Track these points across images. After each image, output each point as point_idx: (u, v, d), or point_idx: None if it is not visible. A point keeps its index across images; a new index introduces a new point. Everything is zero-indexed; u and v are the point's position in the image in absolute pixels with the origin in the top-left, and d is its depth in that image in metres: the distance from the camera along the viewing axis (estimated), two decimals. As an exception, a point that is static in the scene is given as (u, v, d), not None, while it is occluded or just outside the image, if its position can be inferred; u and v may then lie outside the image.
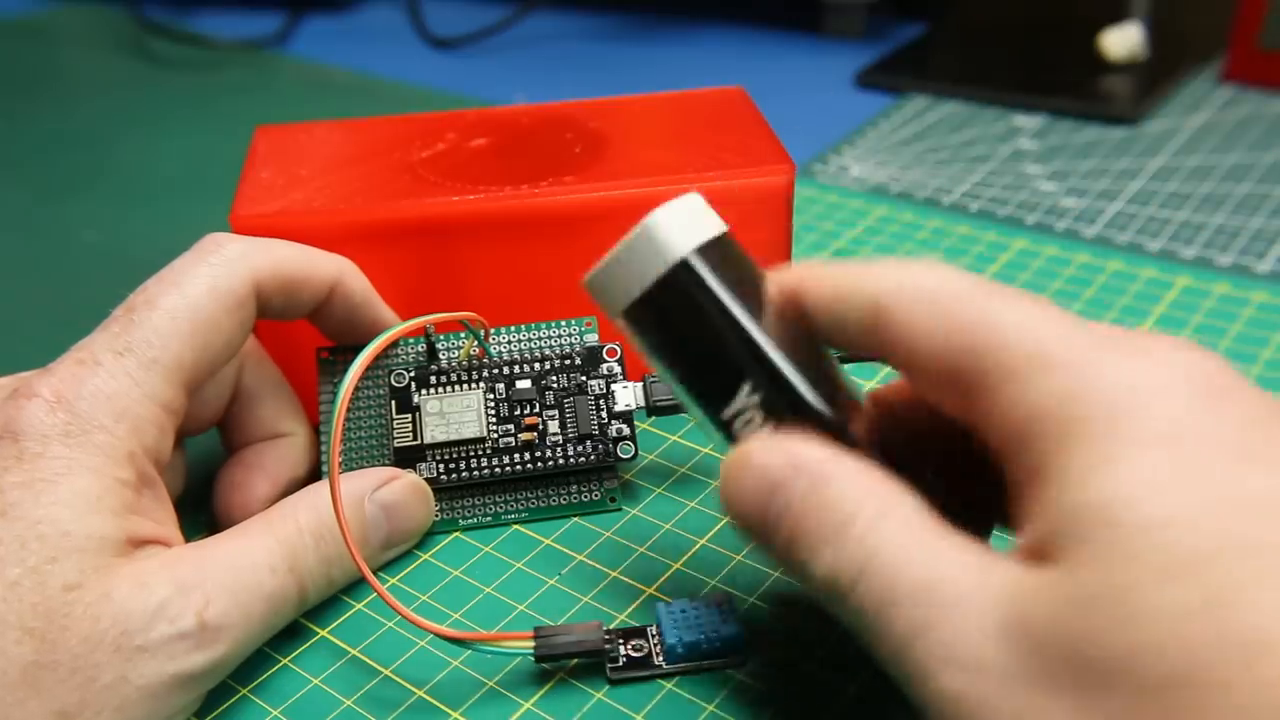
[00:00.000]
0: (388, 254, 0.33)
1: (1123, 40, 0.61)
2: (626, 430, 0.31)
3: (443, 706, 0.26)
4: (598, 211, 0.33)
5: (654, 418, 0.32)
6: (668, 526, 0.31)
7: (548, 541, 0.31)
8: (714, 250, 0.24)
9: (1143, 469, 0.18)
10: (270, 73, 0.70)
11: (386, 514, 0.29)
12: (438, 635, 0.25)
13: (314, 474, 0.32)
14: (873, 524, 0.20)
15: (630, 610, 0.28)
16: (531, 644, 0.26)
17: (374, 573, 0.26)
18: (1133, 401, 0.19)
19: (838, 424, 0.23)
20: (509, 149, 0.37)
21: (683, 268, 0.23)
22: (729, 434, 0.24)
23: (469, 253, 0.33)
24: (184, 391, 0.26)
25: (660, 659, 0.26)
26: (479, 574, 0.30)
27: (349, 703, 0.26)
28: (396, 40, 0.75)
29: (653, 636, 0.27)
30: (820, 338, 0.24)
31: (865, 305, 0.22)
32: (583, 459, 0.31)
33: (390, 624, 0.28)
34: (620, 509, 0.32)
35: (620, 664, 0.26)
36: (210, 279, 0.27)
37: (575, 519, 0.32)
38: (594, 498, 0.32)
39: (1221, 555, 0.17)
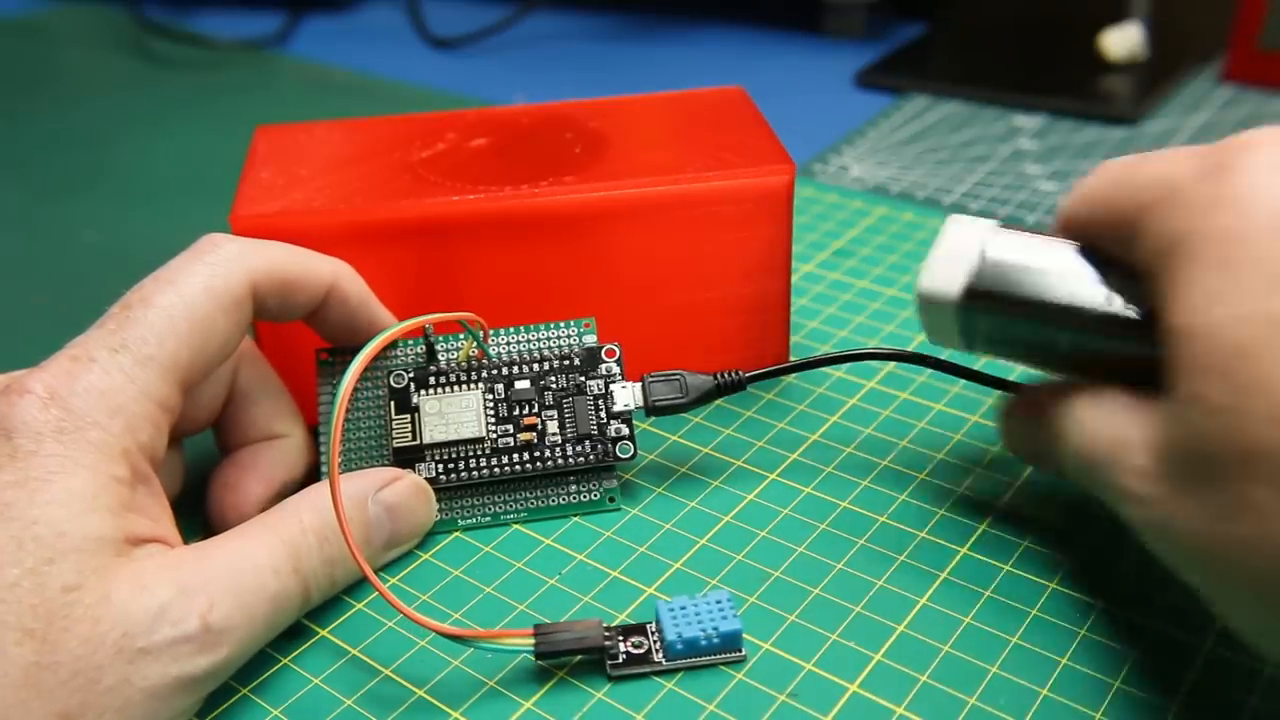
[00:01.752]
0: (387, 254, 0.33)
1: (1123, 40, 0.61)
2: (625, 430, 0.31)
3: (443, 706, 0.26)
4: (597, 211, 0.33)
5: (653, 418, 0.32)
6: (668, 527, 0.31)
7: (548, 541, 0.31)
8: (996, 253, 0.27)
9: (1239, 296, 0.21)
10: (270, 73, 0.70)
11: (389, 514, 0.29)
12: (438, 633, 0.26)
13: (310, 475, 0.32)
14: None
15: (630, 610, 0.28)
16: (532, 641, 0.26)
17: (375, 572, 0.26)
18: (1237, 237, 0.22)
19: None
20: (509, 149, 0.37)
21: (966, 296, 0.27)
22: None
23: (468, 252, 0.33)
24: (179, 390, 0.26)
25: (660, 655, 0.26)
26: (479, 574, 0.30)
27: (349, 702, 0.26)
28: (396, 40, 0.75)
29: (652, 633, 0.27)
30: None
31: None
32: (582, 459, 0.31)
33: (390, 623, 0.28)
34: (620, 509, 0.32)
35: (620, 660, 0.26)
36: (207, 278, 0.27)
37: (575, 519, 0.32)
38: (593, 498, 0.32)
39: None
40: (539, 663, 0.27)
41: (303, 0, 0.80)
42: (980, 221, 0.28)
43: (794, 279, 0.42)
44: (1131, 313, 0.25)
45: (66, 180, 0.56)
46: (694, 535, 0.31)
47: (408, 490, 0.30)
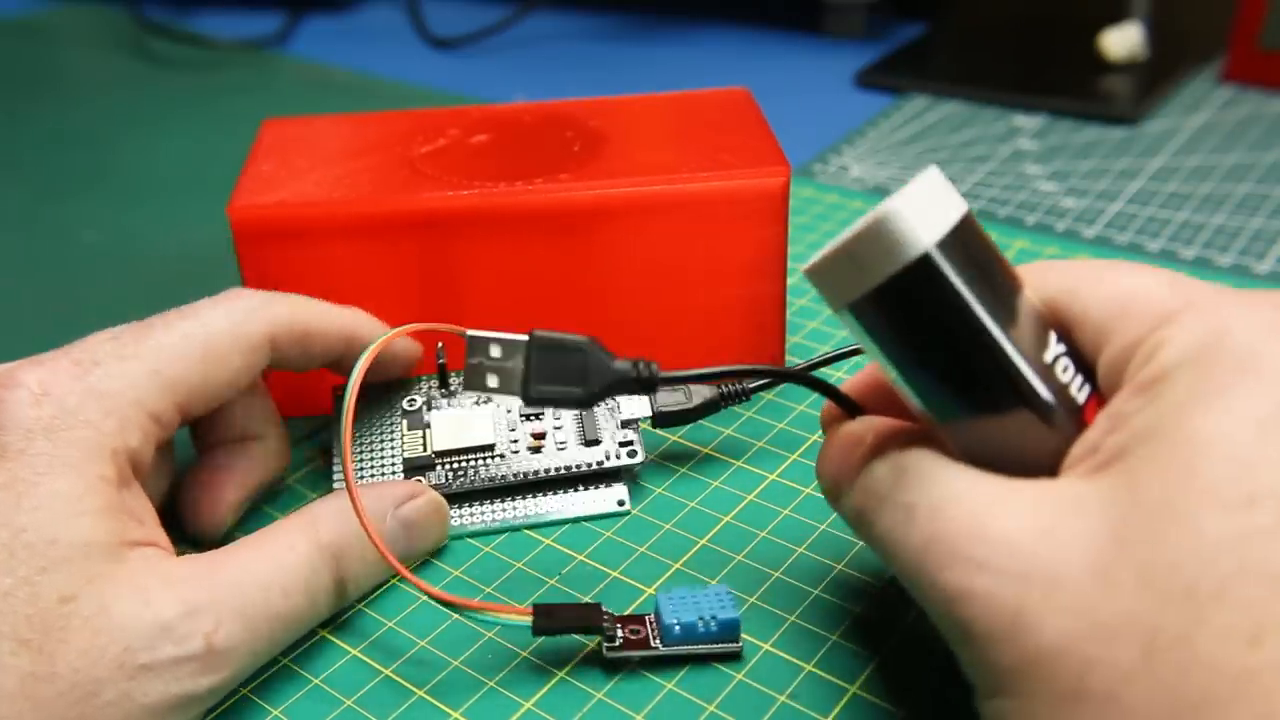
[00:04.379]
0: (381, 247, 0.33)
1: (1123, 40, 0.61)
2: (634, 437, 0.32)
3: (443, 706, 0.26)
4: (589, 209, 0.33)
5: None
6: (668, 527, 0.31)
7: (548, 542, 0.31)
8: (954, 241, 0.21)
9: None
10: (270, 73, 0.70)
11: (405, 531, 0.29)
12: (434, 598, 0.25)
13: (282, 478, 0.32)
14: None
15: (630, 609, 0.28)
16: (530, 618, 0.26)
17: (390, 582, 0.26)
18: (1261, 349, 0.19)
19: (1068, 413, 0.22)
20: (509, 146, 0.37)
21: (923, 262, 0.20)
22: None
23: (464, 247, 0.34)
24: (178, 412, 0.26)
25: (657, 641, 0.26)
26: (479, 574, 0.30)
27: (349, 703, 0.26)
28: (396, 40, 0.75)
29: (651, 624, 0.27)
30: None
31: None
32: (590, 466, 0.31)
33: (390, 624, 0.28)
34: (626, 510, 0.32)
35: (617, 644, 0.26)
36: (229, 317, 0.27)
37: (571, 522, 0.32)
38: (605, 507, 0.32)
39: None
40: (535, 639, 0.27)
41: (303, 0, 0.80)
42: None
43: (794, 279, 0.42)
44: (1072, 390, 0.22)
45: (66, 180, 0.56)
46: (694, 535, 0.31)
47: (426, 507, 0.29)
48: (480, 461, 0.31)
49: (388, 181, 0.34)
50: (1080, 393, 0.22)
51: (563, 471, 0.31)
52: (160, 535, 0.25)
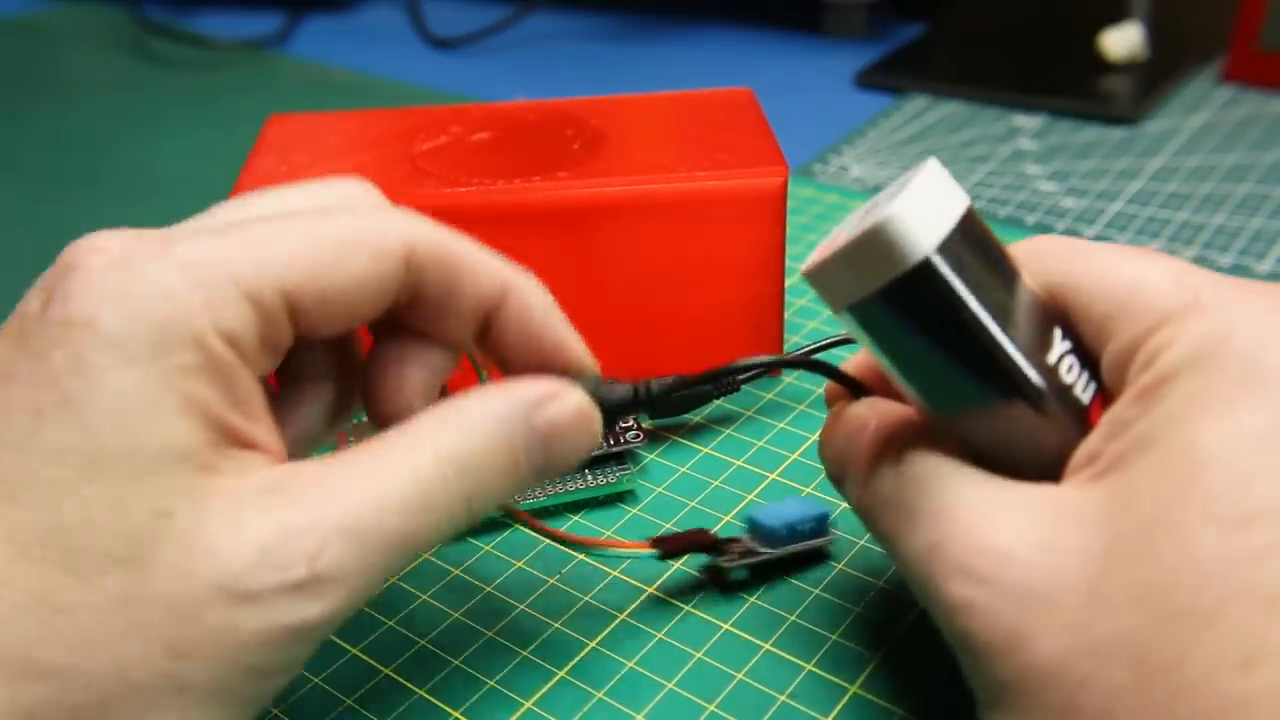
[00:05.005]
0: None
1: (1123, 40, 0.61)
2: (631, 421, 0.33)
3: (443, 706, 0.26)
4: (585, 207, 0.33)
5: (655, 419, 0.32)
6: (668, 527, 0.31)
7: (548, 542, 0.31)
8: (955, 243, 0.20)
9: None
10: (270, 73, 0.70)
11: (544, 442, 0.23)
12: (560, 539, 0.30)
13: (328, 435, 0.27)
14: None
15: (631, 609, 0.28)
16: (650, 546, 0.28)
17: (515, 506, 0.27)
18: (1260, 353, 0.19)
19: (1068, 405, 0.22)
20: (509, 144, 0.37)
21: (923, 268, 0.20)
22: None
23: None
24: (280, 296, 0.21)
25: (764, 548, 0.29)
26: (480, 574, 0.30)
27: (349, 701, 0.26)
28: (396, 40, 0.75)
29: (750, 539, 0.29)
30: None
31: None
32: (596, 449, 0.32)
33: (390, 623, 0.28)
34: (632, 489, 0.32)
35: (734, 556, 0.29)
36: (359, 217, 0.22)
37: (575, 518, 0.32)
38: (610, 480, 0.32)
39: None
40: (661, 561, 0.29)
41: (303, 0, 0.80)
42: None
43: (793, 280, 0.42)
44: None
45: (66, 180, 0.56)
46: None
47: (571, 413, 0.23)
48: None
49: (388, 178, 0.34)
50: (1085, 392, 0.22)
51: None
52: (267, 435, 0.21)
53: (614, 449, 0.32)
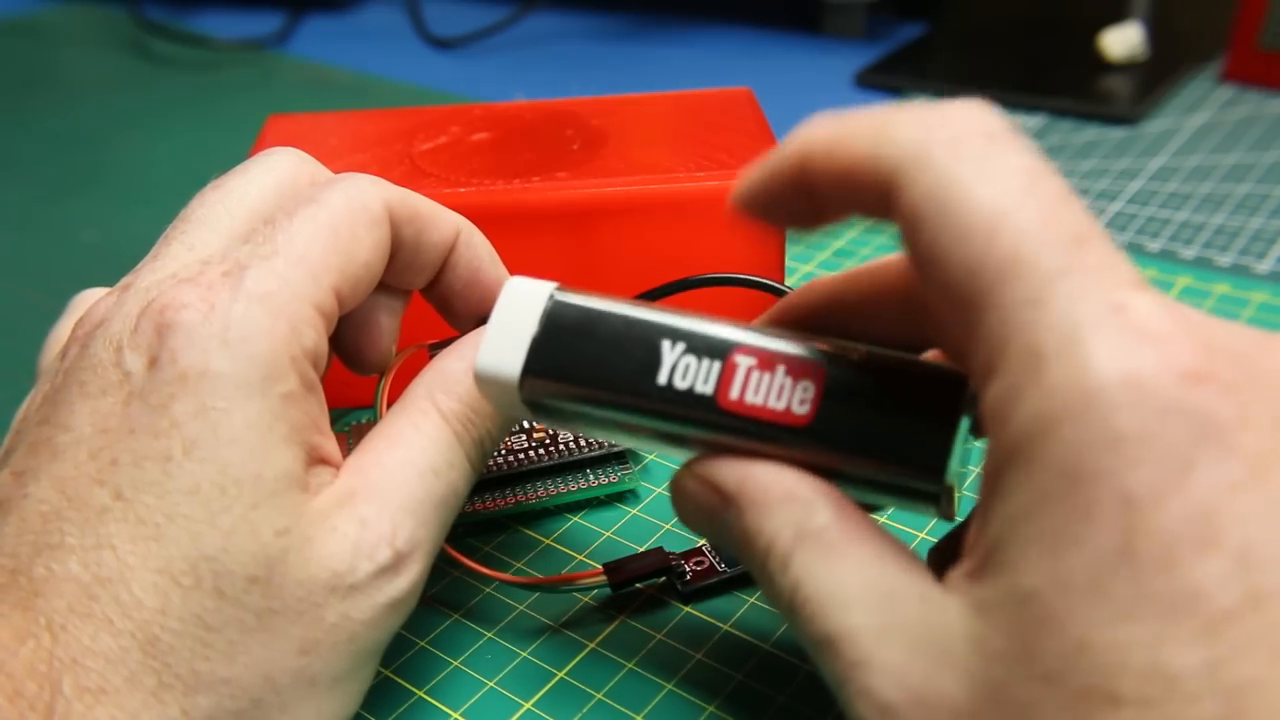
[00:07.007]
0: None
1: (1123, 40, 0.61)
2: None
3: (443, 707, 0.26)
4: (583, 207, 0.33)
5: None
6: (667, 527, 0.31)
7: (548, 542, 0.31)
8: (542, 355, 0.23)
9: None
10: (270, 73, 0.70)
11: None
12: (510, 583, 0.28)
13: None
14: (790, 555, 0.21)
15: (631, 609, 0.28)
16: (603, 578, 0.28)
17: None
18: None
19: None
20: (509, 144, 0.37)
21: (525, 388, 0.23)
22: (673, 419, 0.22)
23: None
24: (336, 300, 0.24)
25: (722, 566, 0.29)
26: (479, 573, 0.30)
27: (349, 703, 0.26)
28: (396, 40, 0.75)
29: (710, 552, 0.29)
30: None
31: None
32: (596, 448, 0.32)
33: (390, 624, 0.28)
34: (633, 489, 0.32)
35: (689, 577, 0.28)
36: (344, 194, 0.24)
37: (575, 518, 0.32)
38: (611, 480, 0.32)
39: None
40: (613, 594, 0.28)
41: (303, 0, 0.80)
42: (541, 283, 0.24)
43: (794, 279, 0.42)
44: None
45: (66, 180, 0.56)
46: (694, 534, 0.31)
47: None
48: None
49: (388, 178, 0.33)
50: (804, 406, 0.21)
51: (569, 456, 0.32)
52: (333, 447, 0.24)
53: (614, 449, 0.32)
